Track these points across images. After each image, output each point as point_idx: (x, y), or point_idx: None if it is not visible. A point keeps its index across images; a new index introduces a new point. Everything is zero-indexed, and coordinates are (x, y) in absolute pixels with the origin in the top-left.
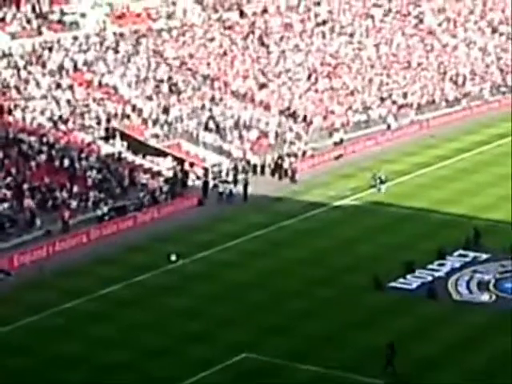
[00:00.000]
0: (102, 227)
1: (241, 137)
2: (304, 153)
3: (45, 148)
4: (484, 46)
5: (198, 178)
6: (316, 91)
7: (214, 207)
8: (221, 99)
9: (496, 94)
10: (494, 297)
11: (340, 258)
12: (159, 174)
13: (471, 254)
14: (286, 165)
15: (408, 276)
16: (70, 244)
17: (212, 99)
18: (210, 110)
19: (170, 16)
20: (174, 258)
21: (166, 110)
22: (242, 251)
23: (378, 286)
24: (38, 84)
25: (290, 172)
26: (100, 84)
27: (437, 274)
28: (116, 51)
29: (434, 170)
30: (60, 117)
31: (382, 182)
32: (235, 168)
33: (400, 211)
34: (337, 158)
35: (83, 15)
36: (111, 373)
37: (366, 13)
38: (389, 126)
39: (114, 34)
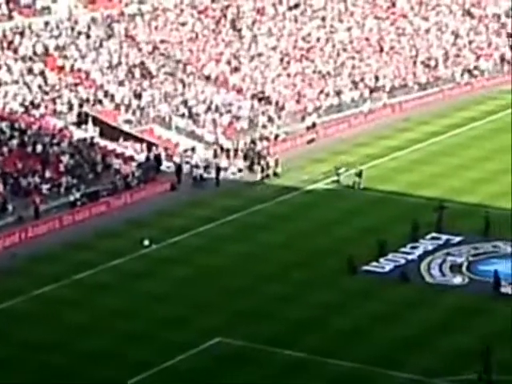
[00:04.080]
0: (74, 213)
1: (213, 121)
2: (276, 137)
3: (17, 133)
4: (456, 30)
5: (196, 166)
6: (288, 75)
7: (187, 192)
8: (193, 83)
9: (468, 78)
10: (466, 279)
11: (314, 241)
12: (132, 158)
13: (444, 237)
14: (258, 149)
15: (381, 259)
16: (42, 230)
17: (184, 84)
18: (183, 94)
19: (141, 0)
20: (146, 242)
21: (138, 95)
22: (215, 236)
23: (351, 268)
24: (9, 69)
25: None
26: (72, 69)
27: (410, 257)
28: (88, 36)
29: (407, 153)
30: (32, 102)
31: (359, 176)
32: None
33: (373, 195)
34: (309, 141)
35: (54, 0)
36: (86, 358)
37: None
38: (361, 110)
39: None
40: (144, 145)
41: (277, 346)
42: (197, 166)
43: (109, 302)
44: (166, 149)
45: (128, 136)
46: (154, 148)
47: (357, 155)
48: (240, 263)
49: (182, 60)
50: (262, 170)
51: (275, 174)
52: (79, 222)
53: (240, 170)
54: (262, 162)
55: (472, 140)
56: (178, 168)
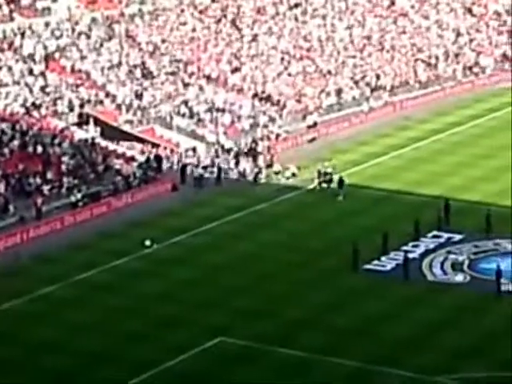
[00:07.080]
0: (76, 213)
1: (214, 121)
2: (278, 136)
3: (18, 134)
4: (457, 28)
5: (196, 166)
6: (289, 74)
7: (188, 192)
8: (194, 83)
9: (469, 75)
10: (468, 277)
11: (315, 240)
12: (133, 159)
13: (445, 235)
14: (260, 148)
15: (383, 258)
16: (44, 230)
17: (185, 83)
18: (184, 94)
19: (142, 1)
20: (148, 242)
21: (139, 95)
22: (217, 235)
23: (355, 260)
24: (10, 70)
25: (265, 156)
26: (73, 70)
27: (411, 256)
28: (88, 36)
29: (408, 151)
30: (33, 103)
31: (340, 185)
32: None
33: (375, 193)
34: (311, 140)
35: (55, 0)
36: (88, 359)
37: None
38: (362, 109)
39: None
40: (145, 145)
41: (280, 345)
42: (197, 166)
43: (110, 302)
44: (166, 149)
45: (129, 136)
46: (154, 148)
47: (358, 153)
48: (241, 262)
49: (182, 60)
50: (319, 176)
51: (330, 181)
52: (81, 222)
53: (294, 175)
54: (319, 167)
55: (473, 138)
56: (183, 168)
